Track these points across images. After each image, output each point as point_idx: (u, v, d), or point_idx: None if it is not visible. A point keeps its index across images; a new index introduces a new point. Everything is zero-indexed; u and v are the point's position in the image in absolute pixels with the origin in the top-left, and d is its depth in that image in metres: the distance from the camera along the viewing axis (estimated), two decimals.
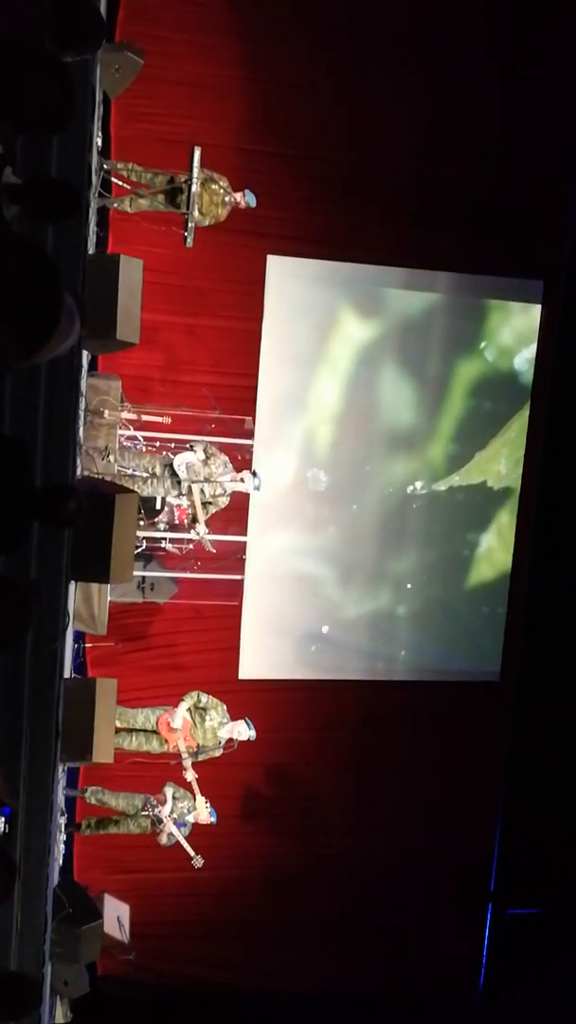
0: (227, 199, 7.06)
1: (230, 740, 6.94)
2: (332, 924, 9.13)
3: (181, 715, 6.80)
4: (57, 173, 5.10)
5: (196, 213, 6.98)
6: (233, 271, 8.25)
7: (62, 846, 6.79)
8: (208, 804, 6.86)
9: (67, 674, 6.33)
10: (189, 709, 6.85)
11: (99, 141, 6.82)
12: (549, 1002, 9.44)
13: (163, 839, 6.89)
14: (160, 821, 6.85)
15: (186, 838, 6.87)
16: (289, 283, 8.45)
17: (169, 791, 6.92)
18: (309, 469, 8.75)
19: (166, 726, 6.85)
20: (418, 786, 9.19)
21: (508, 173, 8.67)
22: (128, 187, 7.14)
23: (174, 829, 6.83)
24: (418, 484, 9.02)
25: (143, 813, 6.97)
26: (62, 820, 6.64)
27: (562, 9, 8.59)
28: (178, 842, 6.88)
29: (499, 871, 9.74)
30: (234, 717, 6.98)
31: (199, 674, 8.34)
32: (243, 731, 6.86)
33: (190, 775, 6.78)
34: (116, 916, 7.32)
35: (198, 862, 6.85)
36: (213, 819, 6.90)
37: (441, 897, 9.49)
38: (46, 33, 3.30)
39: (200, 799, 6.83)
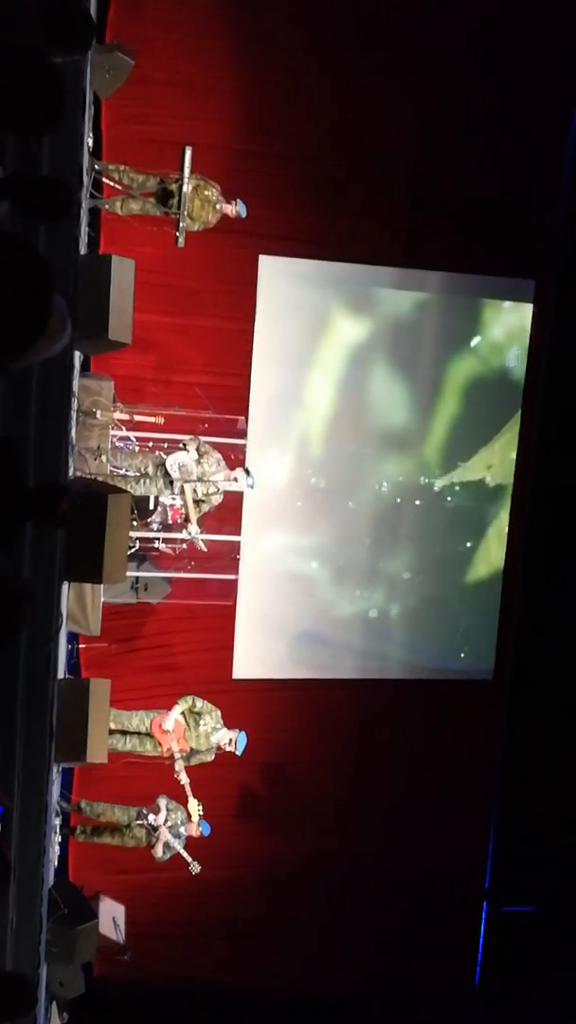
0: (218, 207, 7.08)
1: (226, 754, 6.95)
2: (328, 923, 9.14)
3: (174, 718, 6.81)
4: (48, 174, 5.10)
5: (187, 218, 6.98)
6: (225, 271, 8.25)
7: (57, 847, 6.79)
8: (200, 807, 6.86)
9: (61, 675, 6.33)
10: (183, 712, 6.86)
11: (90, 142, 6.82)
12: (545, 999, 9.46)
13: (159, 851, 6.84)
14: (155, 829, 6.84)
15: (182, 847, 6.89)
16: (281, 283, 8.46)
17: (163, 801, 6.92)
18: (304, 470, 8.76)
19: (159, 728, 6.85)
20: (413, 785, 9.19)
21: (499, 172, 8.68)
22: (120, 188, 7.14)
23: (170, 837, 6.81)
24: (412, 483, 9.03)
25: (137, 822, 6.95)
26: (57, 822, 6.64)
27: (553, 9, 8.62)
28: (175, 855, 6.88)
29: (494, 869, 9.76)
30: (229, 717, 6.99)
31: (193, 674, 8.35)
32: (227, 742, 6.86)
33: (183, 778, 6.78)
34: (112, 916, 7.32)
35: (195, 868, 6.85)
36: (206, 832, 6.89)
37: (437, 895, 9.49)
38: (36, 34, 3.29)
39: (192, 802, 6.83)
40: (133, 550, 7.07)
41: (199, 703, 6.89)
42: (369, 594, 9.10)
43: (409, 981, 9.47)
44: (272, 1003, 9.03)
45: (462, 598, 9.35)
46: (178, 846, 6.84)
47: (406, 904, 9.37)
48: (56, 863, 6.77)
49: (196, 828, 6.86)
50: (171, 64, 7.79)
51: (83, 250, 6.58)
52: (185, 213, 6.98)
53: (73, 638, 7.43)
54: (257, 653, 8.77)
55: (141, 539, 7.23)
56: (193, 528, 7.05)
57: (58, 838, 6.80)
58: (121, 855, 8.11)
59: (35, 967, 5.73)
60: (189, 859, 6.83)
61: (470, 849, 9.67)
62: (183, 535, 7.17)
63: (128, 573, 6.88)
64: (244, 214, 7.16)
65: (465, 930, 9.78)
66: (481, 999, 9.75)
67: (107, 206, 7.19)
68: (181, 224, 7.01)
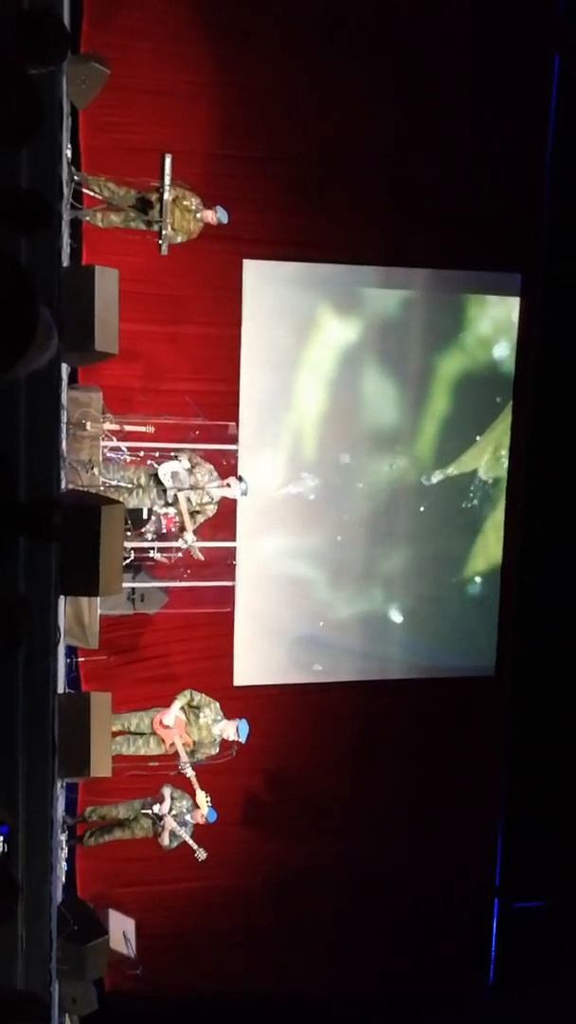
0: (199, 215, 7.06)
1: (230, 746, 6.95)
2: (338, 926, 9.11)
3: (174, 713, 6.86)
4: (27, 186, 5.07)
5: (168, 228, 6.97)
6: (209, 277, 8.23)
7: (64, 863, 6.76)
8: (208, 798, 6.89)
9: (61, 689, 6.29)
10: (183, 707, 6.89)
11: (68, 153, 6.79)
12: (560, 994, 9.42)
13: (165, 839, 6.90)
14: (161, 818, 6.86)
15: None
16: (266, 286, 8.44)
17: (167, 791, 6.97)
18: (297, 473, 8.73)
19: (160, 724, 6.89)
20: (419, 784, 9.17)
21: (481, 167, 8.67)
22: (100, 198, 7.11)
23: (175, 826, 6.83)
24: (406, 480, 9.01)
25: (144, 812, 6.98)
26: (63, 837, 6.60)
27: (531, 8, 8.63)
28: (181, 844, 6.90)
29: (503, 866, 9.73)
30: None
31: (193, 683, 8.23)
32: (232, 732, 6.87)
33: (189, 771, 6.80)
34: (122, 931, 7.28)
35: (201, 855, 6.87)
36: (212, 818, 6.90)
37: (447, 894, 9.47)
38: (11, 46, 3.28)
39: (200, 793, 6.90)
40: (128, 561, 7.04)
41: (197, 696, 6.95)
42: (367, 594, 9.07)
43: (422, 982, 9.44)
44: (285, 1008, 8.98)
45: (461, 594, 9.33)
46: (184, 834, 6.88)
47: (416, 904, 9.34)
48: (63, 879, 6.74)
49: (202, 815, 6.88)
50: (147, 72, 7.78)
51: (65, 262, 6.55)
52: (168, 223, 6.96)
53: (71, 652, 7.39)
54: (257, 659, 8.75)
55: (136, 549, 7.19)
56: (189, 536, 7.04)
57: (64, 853, 6.77)
58: (129, 868, 8.10)
59: (46, 985, 5.69)
60: (195, 846, 6.87)
61: (478, 846, 9.64)
62: (179, 543, 7.15)
63: (124, 584, 6.86)
64: (225, 220, 7.16)
65: (477, 929, 9.75)
66: (495, 996, 9.72)
67: (87, 217, 7.16)
68: (164, 232, 6.99)
